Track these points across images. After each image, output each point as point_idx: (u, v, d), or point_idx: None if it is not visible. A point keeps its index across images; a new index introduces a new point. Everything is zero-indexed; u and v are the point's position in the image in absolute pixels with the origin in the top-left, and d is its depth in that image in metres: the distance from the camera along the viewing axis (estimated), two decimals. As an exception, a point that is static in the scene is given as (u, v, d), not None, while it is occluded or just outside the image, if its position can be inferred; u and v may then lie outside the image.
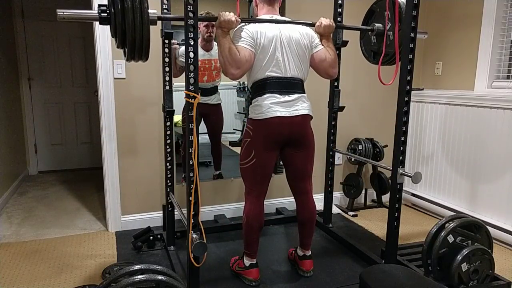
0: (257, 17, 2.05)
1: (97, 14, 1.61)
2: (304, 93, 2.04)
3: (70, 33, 4.30)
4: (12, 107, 3.87)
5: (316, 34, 2.08)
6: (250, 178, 2.08)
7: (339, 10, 2.55)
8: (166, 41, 2.30)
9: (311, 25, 2.08)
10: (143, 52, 1.64)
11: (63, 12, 1.57)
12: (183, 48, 2.59)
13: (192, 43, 1.65)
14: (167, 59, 2.35)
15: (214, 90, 2.97)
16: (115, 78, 2.63)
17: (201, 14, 2.70)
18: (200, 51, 2.39)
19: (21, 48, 4.13)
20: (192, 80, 1.69)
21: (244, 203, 2.11)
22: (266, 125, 1.96)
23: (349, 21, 2.73)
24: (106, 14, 1.60)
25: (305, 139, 2.07)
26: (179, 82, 2.62)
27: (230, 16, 1.84)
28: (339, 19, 2.55)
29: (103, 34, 2.55)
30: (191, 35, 1.65)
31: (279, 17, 2.04)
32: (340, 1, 2.54)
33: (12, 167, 3.75)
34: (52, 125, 4.41)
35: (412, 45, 1.95)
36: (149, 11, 1.62)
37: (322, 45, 2.06)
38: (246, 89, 3.19)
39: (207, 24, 2.79)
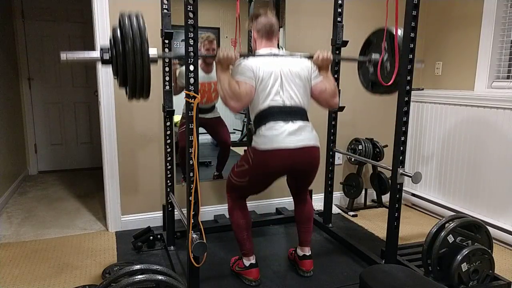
0: (255, 51, 2.08)
1: (99, 57, 1.65)
2: (309, 122, 2.00)
3: (70, 33, 4.30)
4: (12, 107, 3.87)
5: (315, 66, 2.09)
6: (237, 191, 2.12)
7: (339, 10, 2.55)
8: (166, 41, 2.30)
9: (309, 57, 2.10)
10: (144, 91, 1.68)
11: (66, 55, 1.62)
12: (183, 68, 2.61)
13: (192, 43, 1.65)
14: (167, 60, 2.35)
15: (212, 109, 3.02)
16: (115, 78, 2.63)
17: (201, 37, 2.77)
18: (200, 72, 2.46)
19: (21, 48, 4.13)
20: (192, 80, 1.69)
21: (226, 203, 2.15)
22: (268, 158, 1.90)
23: (349, 21, 2.73)
24: (108, 56, 1.64)
25: (311, 170, 2.05)
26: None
27: (229, 52, 1.88)
28: (339, 19, 2.56)
29: (103, 34, 2.55)
30: (191, 35, 1.65)
31: (277, 51, 2.07)
32: (340, 1, 2.54)
33: (12, 167, 3.75)
34: (52, 125, 4.41)
35: (412, 45, 1.95)
36: (150, 51, 1.64)
37: (321, 77, 2.08)
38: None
39: (208, 49, 2.83)
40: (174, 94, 2.44)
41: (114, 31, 1.63)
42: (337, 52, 2.61)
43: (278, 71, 1.95)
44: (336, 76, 2.64)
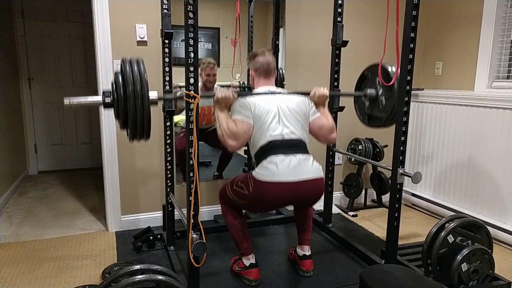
0: (253, 90, 2.12)
1: (101, 100, 1.69)
2: (310, 155, 1.99)
3: (70, 33, 4.30)
4: (12, 107, 3.87)
5: (312, 102, 2.12)
6: (231, 204, 2.11)
7: (339, 10, 2.55)
8: (166, 41, 2.30)
9: (306, 94, 2.13)
10: (144, 133, 1.72)
11: (70, 100, 1.65)
12: (183, 91, 2.62)
13: (192, 43, 1.65)
14: (167, 59, 2.35)
15: (210, 128, 3.01)
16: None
17: (202, 63, 2.80)
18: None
19: (21, 48, 4.13)
20: (192, 80, 1.69)
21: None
22: (267, 190, 1.88)
23: (349, 20, 2.73)
24: (110, 100, 1.69)
25: (313, 200, 2.04)
26: (179, 82, 2.63)
27: (227, 93, 1.91)
28: (339, 19, 2.55)
29: (103, 34, 2.55)
30: (191, 35, 1.65)
31: (275, 89, 2.10)
32: (340, 1, 2.54)
33: (12, 167, 3.75)
34: (52, 125, 4.41)
35: (412, 45, 1.95)
36: (150, 94, 1.68)
37: (319, 112, 2.11)
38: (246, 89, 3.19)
39: (209, 74, 2.85)
40: (174, 114, 2.48)
41: (116, 75, 1.69)
42: (337, 52, 2.61)
43: (276, 108, 1.97)
44: (336, 76, 2.64)
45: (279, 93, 2.07)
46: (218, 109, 1.94)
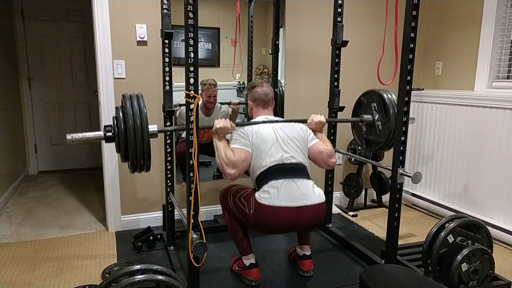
0: (251, 119, 2.16)
1: (103, 135, 1.75)
2: (311, 179, 1.98)
3: (70, 33, 4.30)
4: (12, 107, 3.88)
5: (309, 129, 2.15)
6: (233, 215, 2.11)
7: (339, 10, 2.55)
8: (166, 41, 2.30)
9: (303, 121, 2.18)
10: (145, 165, 1.77)
11: (72, 137, 1.71)
12: (183, 110, 2.63)
13: (192, 43, 1.65)
14: (167, 59, 2.35)
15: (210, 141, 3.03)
16: (115, 78, 2.63)
17: (203, 84, 2.82)
18: (201, 115, 2.55)
19: (21, 48, 4.13)
20: (192, 80, 1.69)
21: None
22: (268, 216, 1.86)
23: (349, 20, 2.73)
24: (111, 134, 1.74)
25: (315, 225, 2.04)
26: (179, 82, 2.62)
27: (225, 123, 1.94)
28: (339, 19, 2.55)
29: (103, 34, 2.55)
30: (191, 35, 1.65)
31: (273, 118, 2.13)
32: (340, 1, 2.54)
33: (12, 167, 3.75)
34: (52, 125, 4.41)
35: (412, 45, 1.95)
36: (149, 127, 1.73)
37: (317, 139, 2.13)
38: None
39: (210, 95, 2.87)
40: (174, 114, 2.48)
41: (116, 110, 1.74)
42: (337, 52, 2.61)
43: (274, 135, 1.99)
44: (336, 76, 2.64)
45: (277, 121, 2.11)
46: (216, 139, 1.97)
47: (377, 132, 2.32)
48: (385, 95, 2.25)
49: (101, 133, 1.76)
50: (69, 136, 1.71)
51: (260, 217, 1.88)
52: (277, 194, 1.85)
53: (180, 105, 2.69)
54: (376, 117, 2.31)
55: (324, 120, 2.20)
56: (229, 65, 3.05)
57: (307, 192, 1.90)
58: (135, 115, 1.70)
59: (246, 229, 2.15)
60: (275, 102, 2.25)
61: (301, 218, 1.88)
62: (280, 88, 3.10)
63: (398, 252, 2.20)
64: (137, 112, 1.71)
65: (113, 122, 1.76)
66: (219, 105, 2.98)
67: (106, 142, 1.77)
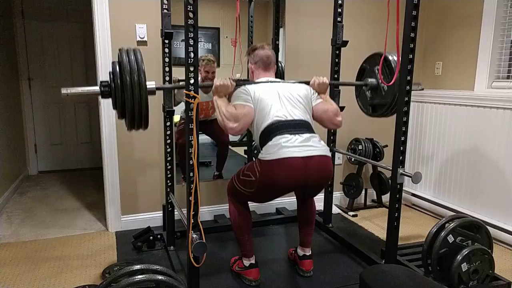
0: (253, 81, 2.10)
1: (99, 90, 1.70)
2: (316, 134, 1.95)
3: (70, 33, 4.30)
4: (12, 107, 3.87)
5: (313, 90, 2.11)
6: (240, 197, 2.07)
7: (339, 10, 2.55)
8: (166, 41, 2.30)
9: (306, 83, 2.13)
10: (142, 122, 1.72)
11: (67, 90, 1.65)
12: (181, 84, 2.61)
13: (192, 43, 1.65)
14: (167, 59, 2.35)
15: (208, 119, 3.02)
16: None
17: (201, 60, 2.80)
18: (200, 92, 2.53)
19: (21, 48, 4.13)
20: (192, 80, 1.69)
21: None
22: (276, 169, 1.81)
23: (349, 21, 2.73)
24: (107, 89, 1.69)
25: (323, 183, 1.97)
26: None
27: (225, 81, 1.90)
28: (339, 19, 2.55)
29: (103, 34, 2.55)
30: (191, 35, 1.65)
31: (274, 79, 2.09)
32: (340, 1, 2.54)
33: (12, 167, 3.75)
34: (52, 125, 4.41)
35: (412, 45, 1.95)
36: (147, 83, 1.68)
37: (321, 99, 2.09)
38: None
39: (208, 71, 2.86)
40: (174, 114, 2.46)
41: (113, 65, 1.69)
42: (337, 52, 2.61)
43: (276, 92, 1.96)
44: (336, 76, 2.64)
45: (279, 82, 2.05)
46: (216, 98, 1.92)
47: (382, 94, 2.26)
48: (389, 57, 2.19)
49: (97, 88, 1.71)
50: (64, 90, 1.65)
51: (267, 175, 1.83)
52: (282, 148, 1.81)
53: (179, 80, 2.68)
54: (380, 80, 2.25)
55: (327, 82, 2.12)
56: (229, 65, 3.05)
57: (313, 144, 1.87)
58: (132, 70, 1.63)
59: (251, 232, 2.12)
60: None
61: (309, 170, 1.82)
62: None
63: (398, 252, 2.20)
64: (134, 67, 1.64)
65: (109, 77, 1.69)
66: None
67: (102, 97, 1.71)
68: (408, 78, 1.99)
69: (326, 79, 2.12)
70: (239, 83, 2.01)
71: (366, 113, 2.51)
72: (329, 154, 1.94)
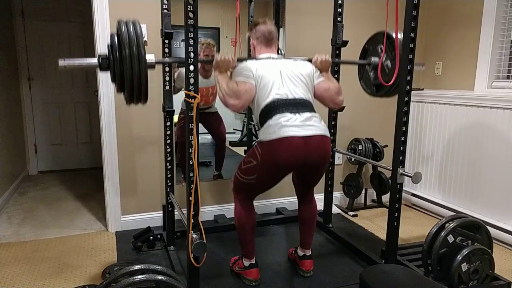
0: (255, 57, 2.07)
1: (97, 62, 1.67)
2: (317, 113, 1.95)
3: (70, 33, 4.30)
4: (12, 107, 3.87)
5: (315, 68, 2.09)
6: (244, 190, 2.07)
7: (339, 10, 2.55)
8: (166, 41, 2.30)
9: (308, 61, 2.10)
10: (142, 96, 1.68)
11: (65, 62, 1.62)
12: (182, 70, 2.60)
13: (192, 43, 1.65)
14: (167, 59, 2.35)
15: (209, 107, 3.03)
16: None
17: (201, 44, 2.77)
18: (199, 78, 2.52)
19: (21, 48, 4.13)
20: (192, 80, 1.69)
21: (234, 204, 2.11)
22: (277, 148, 1.81)
23: (349, 21, 2.73)
24: (105, 62, 1.66)
25: (322, 164, 1.97)
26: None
27: (227, 56, 1.87)
28: (339, 19, 2.55)
29: (103, 34, 2.55)
30: (191, 35, 1.65)
31: (276, 56, 2.06)
32: (340, 1, 2.54)
33: (12, 167, 3.75)
34: (52, 125, 4.41)
35: (412, 45, 1.95)
36: (147, 57, 1.65)
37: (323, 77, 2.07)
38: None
39: (207, 54, 2.84)
40: (174, 114, 2.45)
41: (112, 37, 1.65)
42: (337, 52, 2.61)
43: (278, 70, 1.94)
44: (336, 76, 2.63)
45: (281, 58, 2.02)
46: (218, 74, 1.90)
47: (386, 73, 2.22)
48: (392, 34, 2.13)
49: (95, 60, 1.67)
50: (61, 61, 1.62)
51: (268, 156, 1.84)
52: (283, 127, 1.81)
53: (179, 67, 2.68)
54: (384, 57, 2.21)
55: (330, 60, 2.09)
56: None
57: (314, 124, 1.87)
58: (132, 42, 1.59)
59: (254, 233, 2.11)
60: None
61: (309, 148, 1.83)
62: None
63: (398, 252, 2.20)
64: (133, 39, 1.60)
65: (108, 49, 1.65)
66: None
67: (100, 70, 1.68)
68: (408, 78, 1.99)
69: (329, 57, 2.09)
70: (241, 59, 1.98)
71: (370, 94, 2.46)
72: (328, 134, 1.94)
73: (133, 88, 1.64)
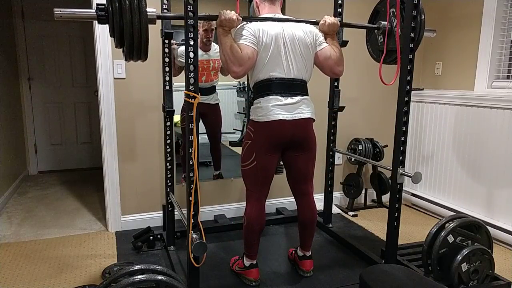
0: (259, 16, 2.02)
1: (95, 13, 1.60)
2: (307, 95, 2.01)
3: (70, 33, 4.30)
4: (12, 107, 3.87)
5: (321, 32, 2.05)
6: (251, 180, 2.07)
7: (339, 10, 2.55)
8: (166, 41, 2.30)
9: (315, 23, 2.05)
10: (142, 52, 1.62)
11: (61, 11, 1.55)
12: (182, 48, 2.59)
13: (192, 43, 1.65)
14: (167, 59, 2.35)
15: (212, 90, 2.98)
16: (115, 78, 2.63)
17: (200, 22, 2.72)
18: (199, 51, 2.45)
19: (21, 48, 4.13)
20: (192, 80, 1.69)
21: (245, 204, 2.11)
22: (267, 128, 1.93)
23: (349, 21, 2.72)
24: (104, 13, 1.59)
25: (307, 142, 2.05)
26: (179, 82, 2.61)
27: (231, 14, 1.82)
28: (339, 18, 2.55)
29: (103, 34, 2.55)
30: (191, 35, 1.65)
31: (281, 16, 2.02)
32: (340, 1, 2.54)
33: (12, 167, 3.75)
34: (52, 125, 4.41)
35: (412, 45, 1.95)
36: (148, 9, 1.60)
37: (327, 43, 2.03)
38: (247, 89, 3.19)
39: (206, 29, 2.80)
40: (173, 76, 2.39)
41: None
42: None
43: (281, 36, 1.91)
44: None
45: (286, 19, 1.99)
46: (221, 33, 1.83)
47: (395, 39, 2.10)
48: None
49: (93, 11, 1.59)
50: (57, 11, 1.54)
51: (260, 134, 1.95)
52: (272, 110, 1.90)
53: (177, 44, 2.65)
54: (395, 23, 2.12)
55: (338, 23, 2.04)
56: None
57: (303, 108, 1.96)
58: None
59: (260, 235, 2.10)
60: None
61: (296, 128, 1.96)
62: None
63: (398, 252, 2.20)
64: None
65: (107, 1, 1.56)
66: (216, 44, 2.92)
67: (98, 23, 1.60)
68: (408, 78, 1.99)
69: (337, 20, 2.05)
70: (245, 18, 1.93)
71: (376, 60, 2.38)
72: (313, 116, 2.02)
73: (133, 43, 1.56)
